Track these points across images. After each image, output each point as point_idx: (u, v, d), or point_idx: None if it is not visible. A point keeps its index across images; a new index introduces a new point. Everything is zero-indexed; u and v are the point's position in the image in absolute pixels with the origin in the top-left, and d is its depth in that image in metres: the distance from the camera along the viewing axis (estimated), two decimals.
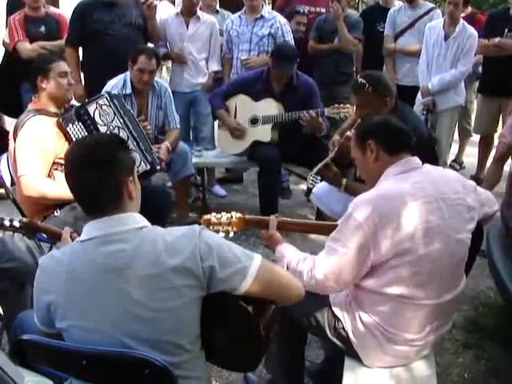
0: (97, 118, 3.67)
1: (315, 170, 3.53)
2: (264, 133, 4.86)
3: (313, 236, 4.16)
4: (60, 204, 3.30)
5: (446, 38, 5.27)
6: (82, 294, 1.70)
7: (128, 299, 1.66)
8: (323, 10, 6.06)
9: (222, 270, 1.70)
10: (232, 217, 2.59)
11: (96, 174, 1.73)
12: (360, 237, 2.15)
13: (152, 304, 1.66)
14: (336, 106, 4.56)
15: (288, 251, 2.42)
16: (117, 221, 1.75)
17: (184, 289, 1.67)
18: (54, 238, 2.50)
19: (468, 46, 5.21)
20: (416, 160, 2.38)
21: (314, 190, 3.69)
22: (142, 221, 1.79)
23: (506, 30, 5.34)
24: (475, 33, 5.25)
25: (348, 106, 4.56)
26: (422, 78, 5.46)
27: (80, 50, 5.29)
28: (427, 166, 2.39)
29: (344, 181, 3.42)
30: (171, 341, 1.70)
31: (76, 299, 1.71)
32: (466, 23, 5.31)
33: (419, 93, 5.47)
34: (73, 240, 2.26)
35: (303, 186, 5.51)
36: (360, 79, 3.43)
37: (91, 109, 3.67)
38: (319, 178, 3.55)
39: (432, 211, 2.20)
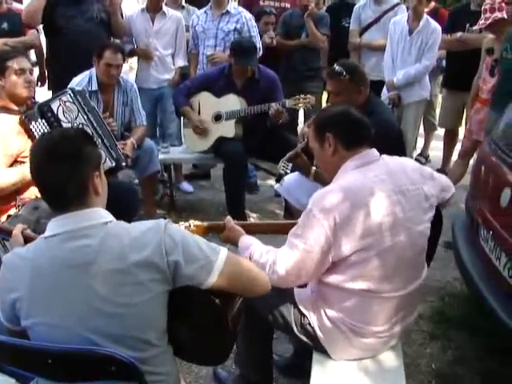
0: (60, 115, 3.63)
1: (286, 156, 3.52)
2: (228, 128, 4.87)
3: None
4: (23, 203, 3.24)
5: (411, 32, 5.33)
6: (47, 291, 1.67)
7: (93, 295, 1.64)
8: (288, 6, 6.10)
9: (187, 265, 1.69)
10: (190, 226, 2.56)
11: (61, 169, 1.70)
12: (320, 233, 2.13)
13: (117, 299, 1.64)
14: (297, 97, 4.59)
15: (250, 242, 2.40)
16: (82, 216, 1.72)
17: (149, 283, 1.66)
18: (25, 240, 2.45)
19: (432, 41, 5.27)
20: (374, 152, 2.35)
21: (282, 181, 3.69)
22: (108, 216, 1.77)
23: (467, 25, 5.41)
24: (439, 27, 5.31)
25: (309, 96, 4.58)
26: (387, 72, 5.51)
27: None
28: (385, 158, 2.36)
29: (313, 169, 3.42)
30: (137, 336, 1.69)
31: (41, 296, 1.68)
32: (429, 18, 5.37)
33: (384, 87, 5.51)
34: (24, 236, 2.22)
35: (271, 182, 5.53)
36: (337, 67, 3.42)
37: (54, 106, 3.63)
38: (290, 164, 3.55)
39: (392, 205, 2.19)
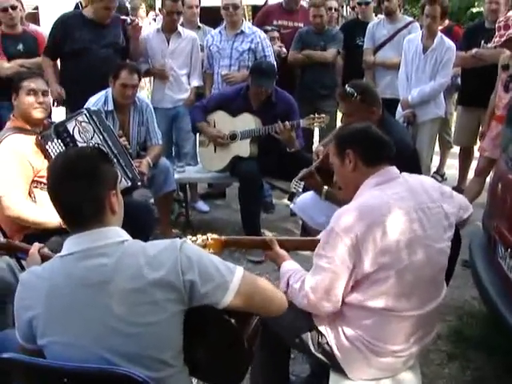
0: (76, 136, 3.65)
1: (299, 175, 3.53)
2: (243, 148, 4.88)
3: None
4: None
5: (425, 50, 5.31)
6: (63, 309, 1.68)
7: (109, 314, 1.64)
8: (301, 25, 6.12)
9: (203, 284, 1.68)
10: (207, 239, 2.55)
11: (78, 188, 1.72)
12: (343, 252, 2.13)
13: (133, 319, 1.64)
14: (311, 116, 4.59)
15: (290, 268, 2.40)
16: (98, 235, 1.72)
17: (165, 303, 1.65)
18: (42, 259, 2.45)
19: (446, 58, 5.25)
20: (394, 170, 2.36)
21: (296, 201, 3.68)
22: (124, 235, 1.77)
23: (482, 42, 5.40)
24: (453, 45, 5.30)
25: (323, 115, 4.59)
26: (401, 90, 5.49)
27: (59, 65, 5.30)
28: (404, 176, 2.37)
29: (325, 189, 3.42)
30: (153, 356, 1.68)
31: (57, 314, 1.68)
32: (443, 36, 5.36)
33: (399, 105, 5.49)
34: (40, 255, 2.23)
35: (286, 201, 5.51)
36: (348, 88, 3.41)
37: (70, 126, 3.65)
38: (302, 183, 3.55)
39: (412, 222, 2.19)
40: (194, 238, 2.55)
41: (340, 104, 3.56)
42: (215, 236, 2.58)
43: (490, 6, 5.44)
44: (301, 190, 3.62)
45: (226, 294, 1.71)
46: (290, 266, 2.43)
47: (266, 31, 5.85)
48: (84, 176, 1.73)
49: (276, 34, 5.96)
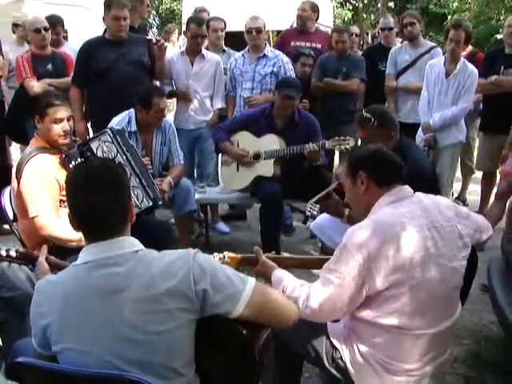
0: (99, 155, 3.69)
1: (315, 198, 3.54)
2: (266, 168, 4.89)
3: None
4: None
5: (447, 75, 5.30)
6: (76, 317, 1.71)
7: (121, 321, 1.67)
8: (319, 46, 6.20)
9: (215, 294, 1.71)
10: (224, 257, 2.60)
11: (106, 197, 1.76)
12: (354, 268, 2.15)
13: (145, 326, 1.67)
14: (336, 138, 4.60)
15: (283, 276, 2.42)
16: (113, 244, 1.77)
17: (177, 312, 1.68)
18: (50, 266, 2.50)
19: (468, 84, 5.23)
20: (407, 189, 2.40)
21: (315, 220, 3.70)
22: (138, 244, 1.81)
23: (501, 68, 5.40)
24: (476, 70, 5.27)
25: (348, 138, 4.59)
26: (423, 114, 5.49)
27: None
28: (418, 195, 2.40)
29: (347, 211, 3.43)
30: (164, 364, 1.70)
31: (70, 322, 1.72)
32: (466, 61, 5.35)
33: (420, 129, 5.50)
34: (49, 263, 2.27)
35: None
36: (365, 113, 3.45)
37: (94, 146, 3.70)
38: (318, 206, 3.56)
39: (425, 240, 2.21)
40: (211, 257, 2.58)
41: (358, 130, 3.59)
42: (232, 254, 2.62)
43: (509, 30, 5.46)
44: (316, 213, 3.64)
45: (238, 303, 1.74)
46: (281, 274, 2.44)
47: (302, 54, 5.89)
48: (113, 186, 1.79)
49: (311, 60, 5.90)
